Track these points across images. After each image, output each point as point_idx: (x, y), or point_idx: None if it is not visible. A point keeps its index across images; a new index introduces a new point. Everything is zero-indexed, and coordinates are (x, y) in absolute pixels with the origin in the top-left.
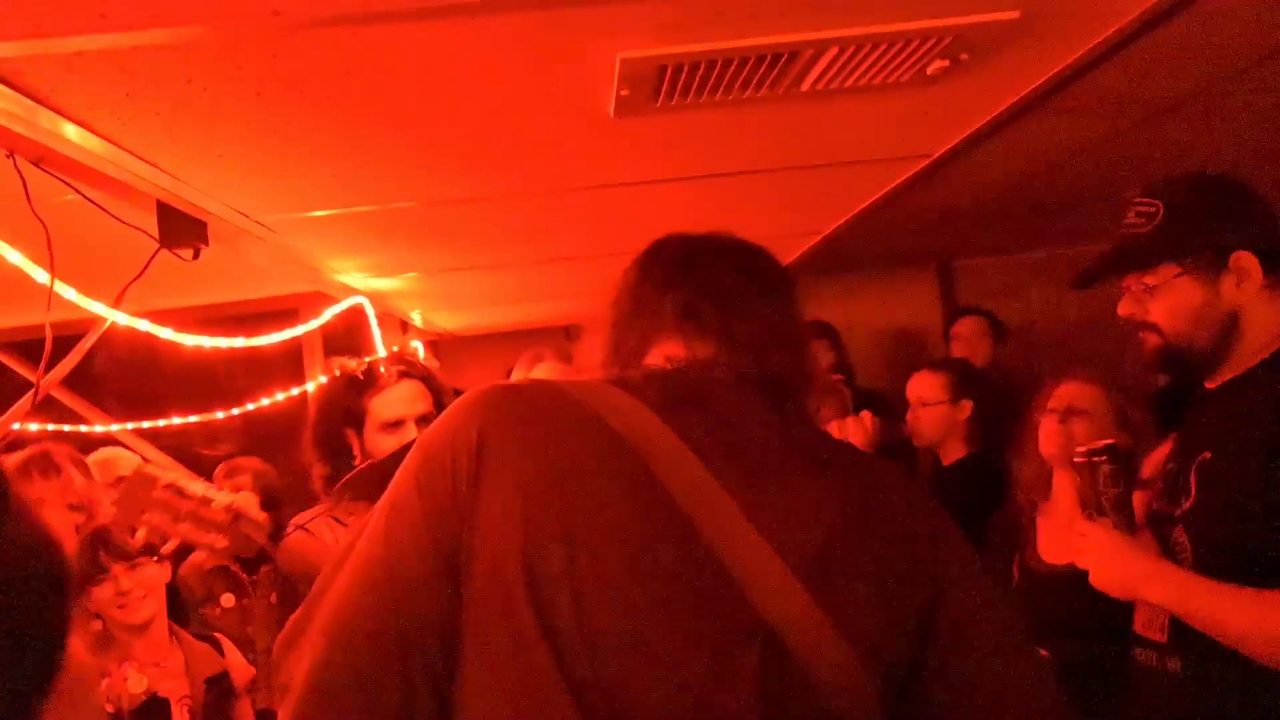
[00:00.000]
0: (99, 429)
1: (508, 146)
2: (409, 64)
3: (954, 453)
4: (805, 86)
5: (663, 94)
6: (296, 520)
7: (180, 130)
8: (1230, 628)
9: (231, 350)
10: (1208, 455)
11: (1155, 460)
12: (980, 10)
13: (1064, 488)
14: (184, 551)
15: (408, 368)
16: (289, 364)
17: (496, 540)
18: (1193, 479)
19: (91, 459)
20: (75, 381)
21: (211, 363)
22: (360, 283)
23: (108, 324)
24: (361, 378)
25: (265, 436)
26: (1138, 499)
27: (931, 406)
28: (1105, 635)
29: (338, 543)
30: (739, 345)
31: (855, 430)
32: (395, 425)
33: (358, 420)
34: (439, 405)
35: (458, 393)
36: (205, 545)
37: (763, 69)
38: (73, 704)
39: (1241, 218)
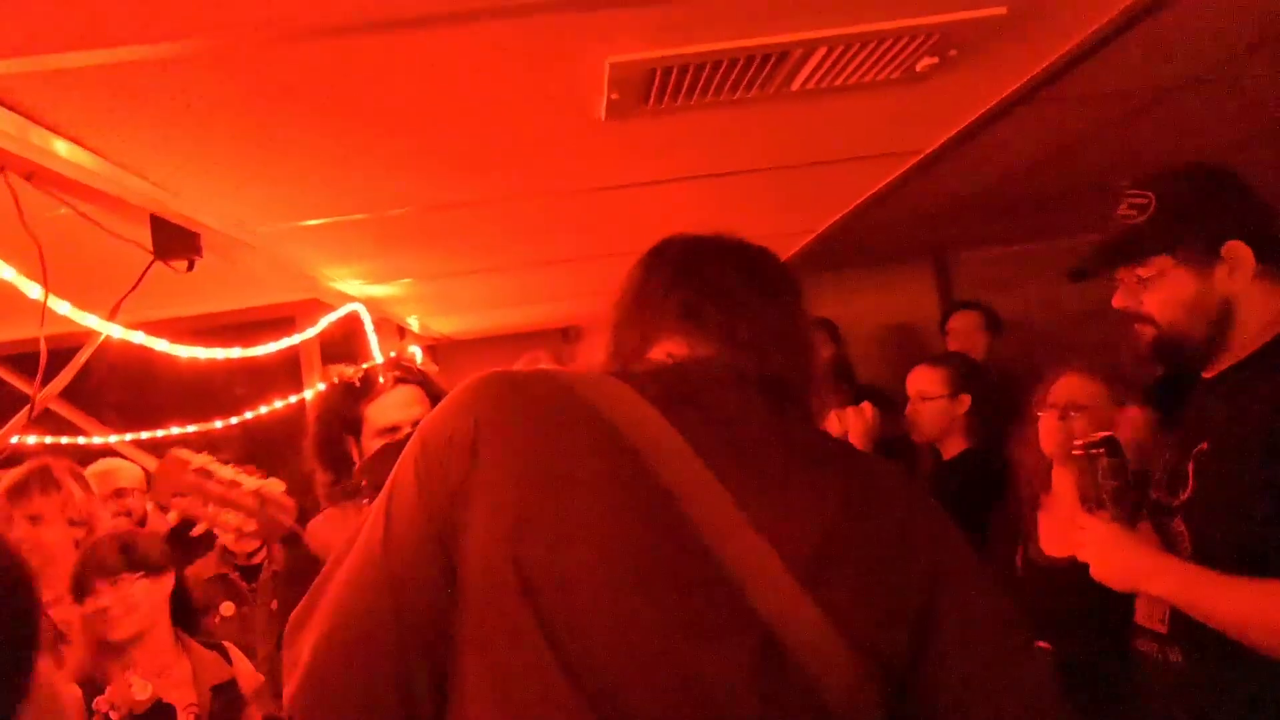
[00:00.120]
0: (98, 440)
1: (500, 151)
2: (398, 72)
3: (954, 447)
4: (795, 86)
5: (653, 97)
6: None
7: (171, 143)
8: (1229, 618)
9: (229, 360)
10: (1205, 446)
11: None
12: (967, 7)
13: (1064, 481)
14: (197, 550)
15: (403, 373)
16: (287, 372)
17: (489, 528)
18: (1190, 469)
19: (91, 470)
20: (73, 393)
21: (210, 372)
22: (356, 289)
23: (103, 337)
24: (358, 385)
25: (264, 445)
26: None
27: (931, 401)
28: (1107, 627)
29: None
30: (740, 345)
31: (855, 421)
32: (391, 431)
33: (355, 427)
34: None
35: None
36: (235, 528)
37: (752, 70)
38: None
39: (1233, 207)
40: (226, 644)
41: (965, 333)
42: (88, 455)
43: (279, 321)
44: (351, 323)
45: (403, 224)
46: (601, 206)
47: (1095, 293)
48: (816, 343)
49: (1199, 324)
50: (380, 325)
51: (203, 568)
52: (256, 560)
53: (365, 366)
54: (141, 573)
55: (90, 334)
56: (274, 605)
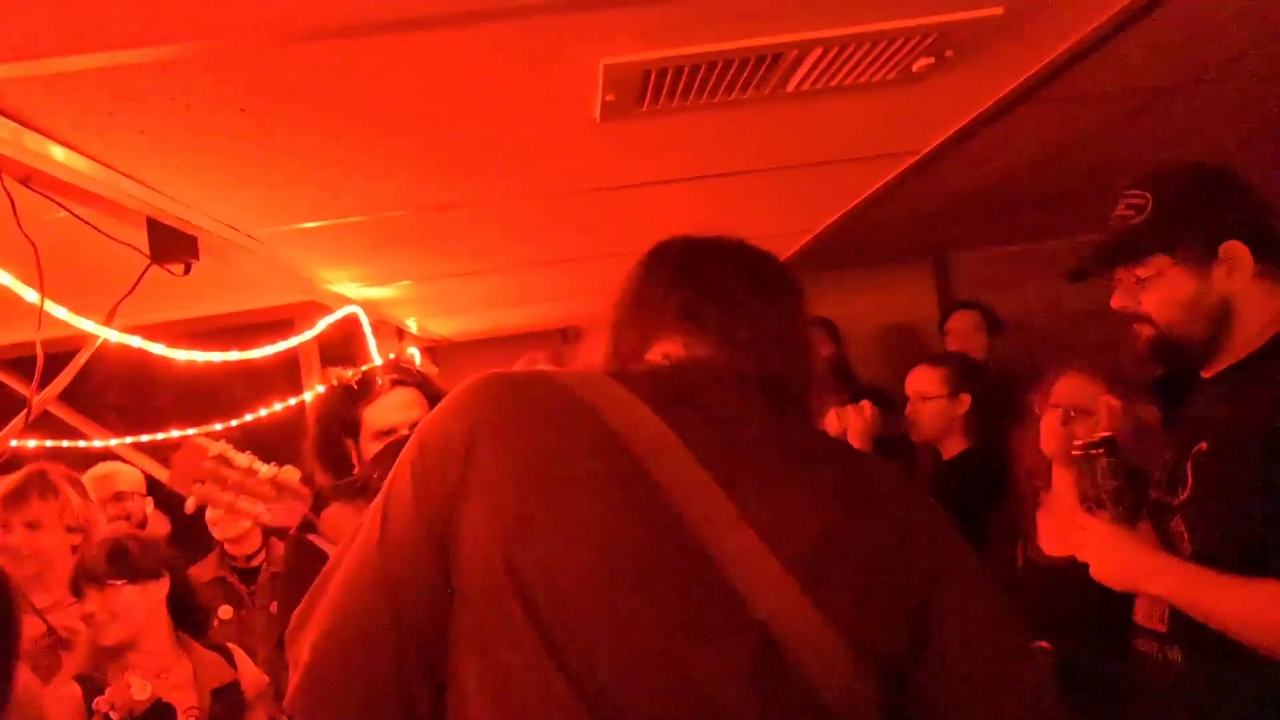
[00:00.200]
0: (98, 444)
1: (496, 153)
2: (393, 74)
3: (954, 447)
4: (791, 87)
5: (648, 98)
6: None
7: (166, 147)
8: (1229, 618)
9: (228, 363)
10: (1204, 445)
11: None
12: (963, 8)
13: (1064, 481)
14: (197, 553)
15: (401, 375)
16: (286, 375)
17: (486, 530)
18: (1190, 469)
19: (90, 474)
20: (73, 396)
21: (209, 375)
22: (354, 292)
23: (100, 341)
24: (355, 387)
25: (264, 447)
26: None
27: (930, 401)
28: (1106, 627)
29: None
30: (739, 345)
31: (854, 420)
32: (387, 433)
33: (353, 429)
34: None
35: None
36: (252, 515)
37: (747, 71)
38: None
39: (1230, 207)
40: (231, 646)
41: (965, 333)
42: (87, 458)
43: (278, 324)
44: (350, 325)
45: (400, 226)
46: (598, 207)
47: (1094, 293)
48: (816, 343)
49: (1197, 324)
50: (379, 327)
51: (201, 571)
52: (255, 563)
53: (364, 369)
54: (128, 579)
55: (88, 337)
56: (273, 608)
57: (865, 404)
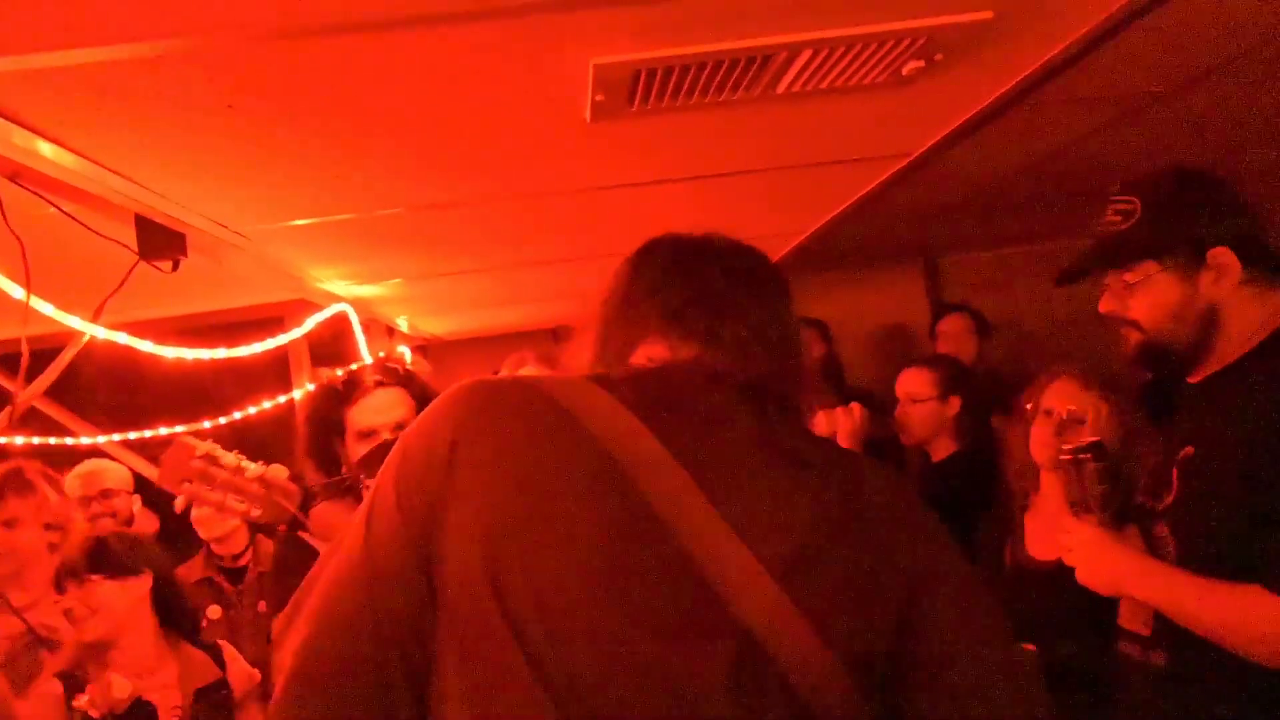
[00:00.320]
0: (85, 441)
1: (486, 152)
2: (382, 73)
3: (943, 449)
4: (781, 89)
5: (638, 98)
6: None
7: (154, 144)
8: (1211, 622)
9: (218, 360)
10: (1189, 451)
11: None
12: (953, 11)
13: (1052, 485)
14: (185, 553)
15: (383, 375)
16: (276, 373)
17: (467, 538)
18: (1175, 474)
19: (77, 471)
20: (60, 393)
21: (198, 372)
22: (344, 290)
23: (87, 338)
24: (340, 389)
25: (254, 445)
26: None
27: (920, 403)
28: (1092, 630)
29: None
30: (724, 347)
31: (844, 422)
32: (369, 434)
33: (339, 430)
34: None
35: None
36: (241, 513)
37: (737, 72)
38: None
39: (1219, 213)
40: (222, 643)
41: (955, 335)
42: (75, 456)
43: (268, 322)
44: (340, 323)
45: (390, 224)
46: (588, 207)
47: (1084, 297)
48: (803, 343)
49: (1184, 330)
50: (370, 326)
51: (188, 571)
52: (242, 562)
53: (349, 369)
54: (107, 574)
55: (74, 334)
56: (261, 606)
57: (855, 406)
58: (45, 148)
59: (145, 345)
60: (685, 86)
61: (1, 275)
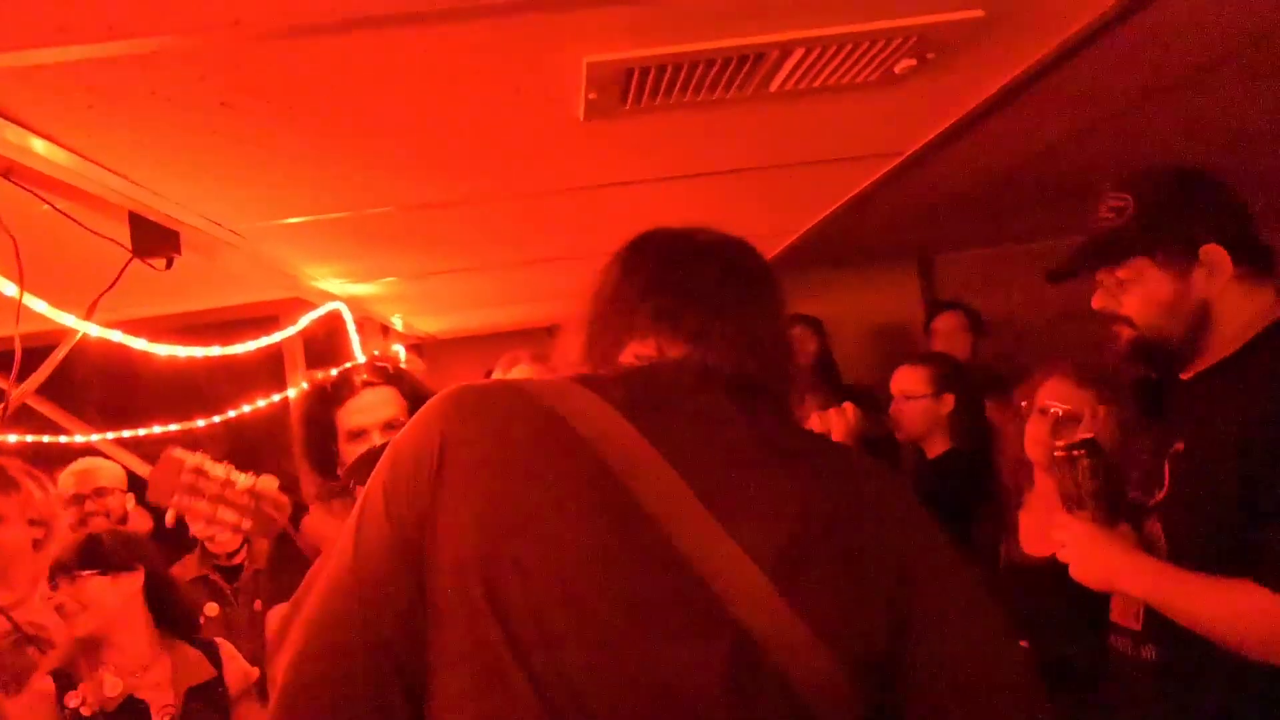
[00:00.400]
0: (79, 439)
1: (480, 151)
2: (376, 71)
3: (937, 447)
4: (774, 87)
5: (631, 97)
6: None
7: (148, 141)
8: (1202, 617)
9: (212, 358)
10: (1180, 446)
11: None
12: (944, 9)
13: (1046, 482)
14: (180, 551)
15: (372, 375)
16: (270, 371)
17: (457, 545)
18: (1166, 470)
19: (71, 469)
20: (54, 391)
21: (193, 370)
22: (339, 288)
23: (80, 335)
24: (329, 390)
25: (249, 443)
26: None
27: (914, 400)
28: (1086, 626)
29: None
30: (713, 345)
31: (837, 422)
32: (359, 435)
33: (332, 431)
34: (416, 408)
35: None
36: (231, 526)
37: (730, 70)
38: None
39: (1211, 210)
40: (219, 641)
41: (950, 333)
42: (69, 454)
43: (263, 320)
44: (335, 321)
45: (384, 223)
46: (584, 206)
47: (1077, 294)
48: (793, 338)
49: (1176, 326)
50: (366, 324)
51: (183, 570)
52: (237, 560)
53: (338, 370)
54: (97, 570)
55: (67, 332)
56: (257, 605)
57: (848, 406)
58: (39, 145)
59: (139, 343)
60: (678, 85)
61: None
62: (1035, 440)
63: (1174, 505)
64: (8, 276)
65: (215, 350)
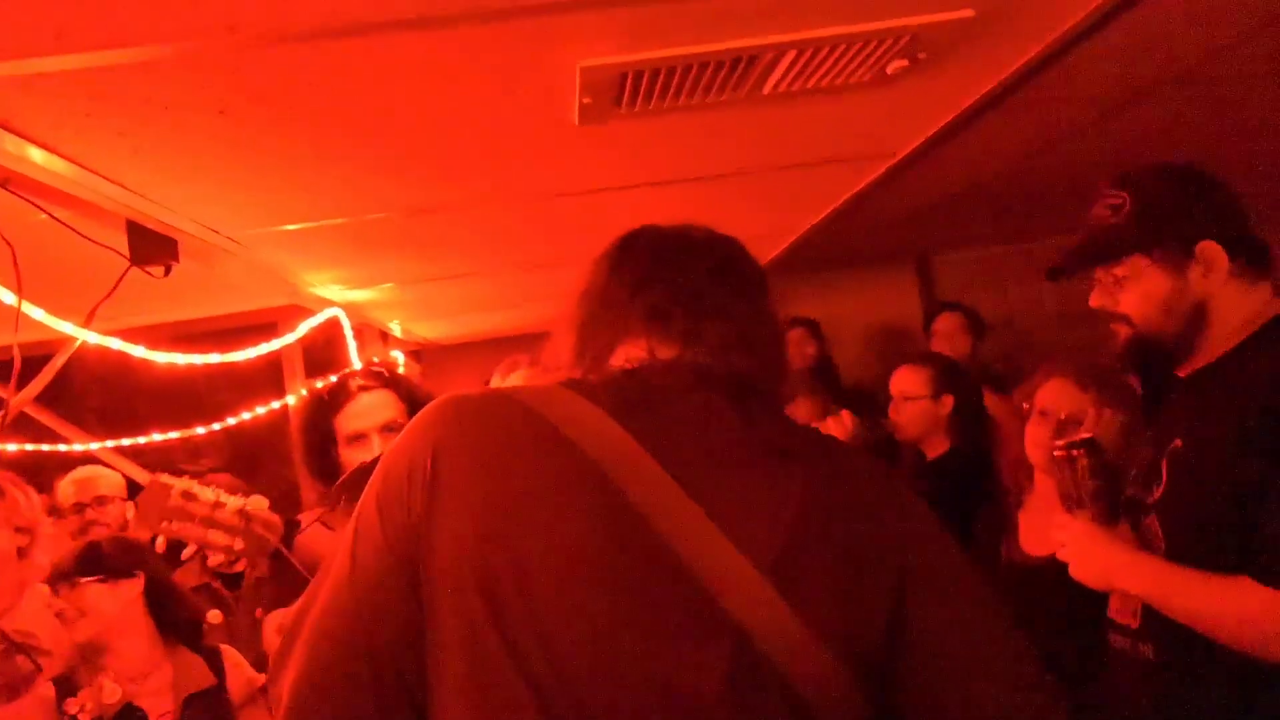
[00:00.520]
0: (78, 447)
1: (476, 156)
2: (371, 77)
3: (937, 447)
4: (767, 89)
5: (625, 100)
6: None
7: (145, 149)
8: (1200, 614)
9: (212, 366)
10: (1178, 444)
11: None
12: (935, 10)
13: (1046, 481)
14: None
15: (367, 379)
16: (269, 378)
17: (453, 555)
18: (1164, 467)
19: (71, 477)
20: (54, 399)
21: (192, 378)
22: (337, 295)
23: (78, 343)
24: (326, 397)
25: (248, 451)
26: None
27: (913, 401)
28: (1086, 625)
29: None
30: (705, 345)
31: (835, 429)
32: (357, 439)
33: (332, 438)
34: (414, 410)
35: None
36: (222, 548)
37: (723, 73)
38: None
39: (1207, 208)
40: (224, 648)
41: (949, 334)
42: (67, 462)
43: (262, 327)
44: (334, 328)
45: (381, 228)
46: (581, 210)
47: (1077, 292)
48: (785, 337)
49: (1173, 324)
50: (364, 331)
51: (184, 578)
52: (238, 568)
53: (335, 377)
54: (97, 577)
55: (66, 340)
56: (258, 613)
57: (845, 414)
58: (36, 154)
59: (137, 350)
60: (672, 88)
61: None
62: (1035, 442)
63: (1172, 502)
64: (6, 285)
65: (214, 358)
